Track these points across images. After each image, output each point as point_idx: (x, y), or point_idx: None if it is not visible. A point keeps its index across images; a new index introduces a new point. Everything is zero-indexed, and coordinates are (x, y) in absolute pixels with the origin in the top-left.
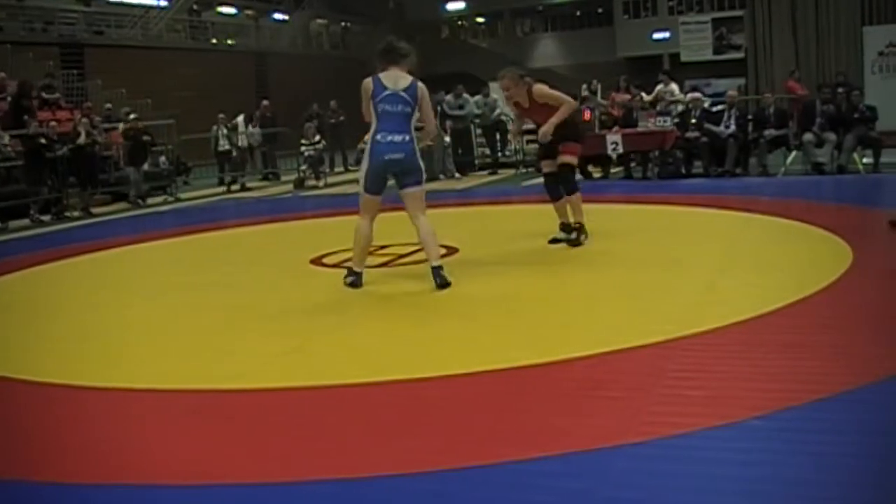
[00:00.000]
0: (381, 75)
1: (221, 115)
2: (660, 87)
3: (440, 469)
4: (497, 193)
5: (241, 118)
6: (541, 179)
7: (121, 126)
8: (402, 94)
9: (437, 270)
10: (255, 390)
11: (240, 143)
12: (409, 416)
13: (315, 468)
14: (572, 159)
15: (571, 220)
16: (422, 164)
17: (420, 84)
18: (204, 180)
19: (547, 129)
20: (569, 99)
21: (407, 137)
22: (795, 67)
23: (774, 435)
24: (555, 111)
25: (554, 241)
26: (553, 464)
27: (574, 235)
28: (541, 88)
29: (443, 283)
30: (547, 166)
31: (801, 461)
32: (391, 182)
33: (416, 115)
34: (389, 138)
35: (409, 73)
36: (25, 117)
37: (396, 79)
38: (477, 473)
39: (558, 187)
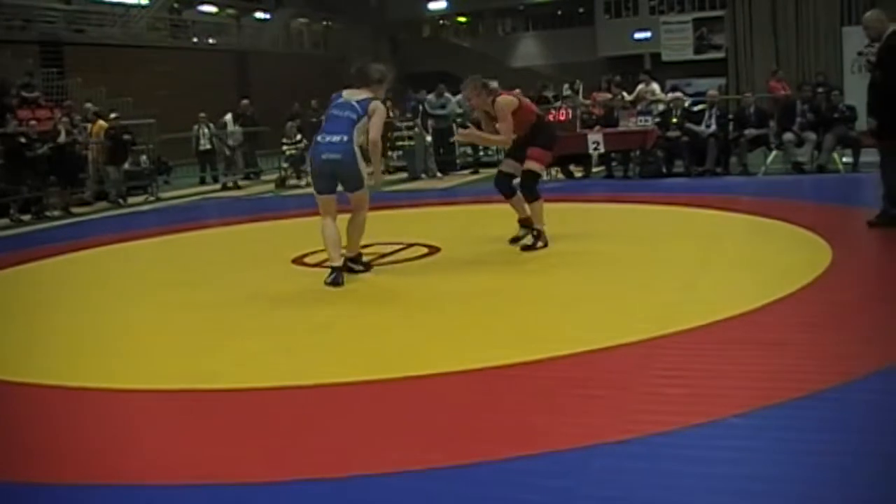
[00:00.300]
0: (346, 91)
1: (202, 115)
2: (641, 86)
3: (423, 467)
4: (478, 193)
5: (228, 116)
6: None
7: (89, 126)
8: (354, 103)
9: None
10: (237, 390)
11: (230, 142)
12: (393, 415)
13: (297, 468)
14: (538, 167)
15: (531, 220)
16: (362, 171)
17: (377, 102)
18: (184, 179)
19: (469, 132)
20: (508, 135)
21: (345, 138)
22: (777, 67)
23: (755, 433)
24: (523, 122)
25: (515, 240)
26: (535, 462)
27: (531, 241)
28: (502, 105)
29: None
30: (506, 165)
31: (781, 459)
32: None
33: (362, 124)
34: (328, 138)
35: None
36: (7, 115)
37: (356, 94)
38: (460, 471)
39: (509, 185)
